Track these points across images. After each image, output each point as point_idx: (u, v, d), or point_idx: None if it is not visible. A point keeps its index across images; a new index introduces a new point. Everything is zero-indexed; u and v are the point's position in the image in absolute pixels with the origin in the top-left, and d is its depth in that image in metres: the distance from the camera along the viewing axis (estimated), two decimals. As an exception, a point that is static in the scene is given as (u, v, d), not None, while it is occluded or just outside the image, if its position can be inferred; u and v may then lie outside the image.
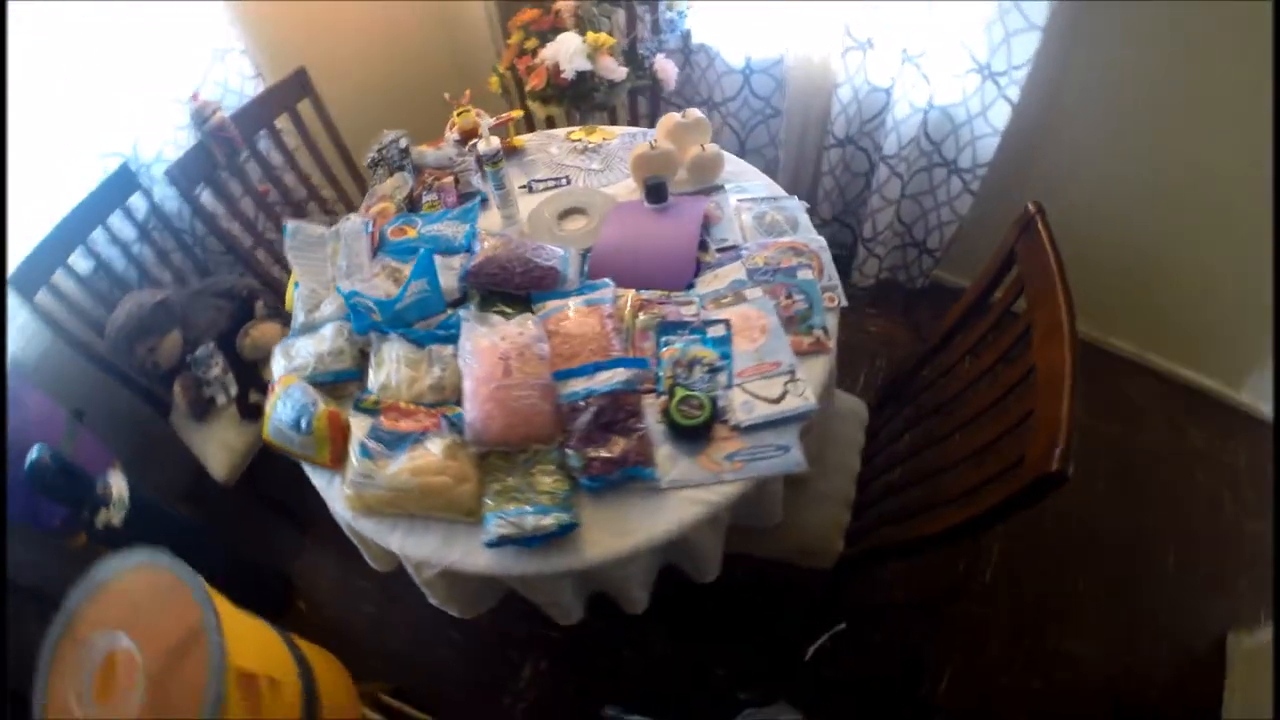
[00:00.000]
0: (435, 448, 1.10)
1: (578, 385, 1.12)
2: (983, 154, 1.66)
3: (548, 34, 1.69)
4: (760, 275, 1.28)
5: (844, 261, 2.13)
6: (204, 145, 1.54)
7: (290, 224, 1.30)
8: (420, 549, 1.07)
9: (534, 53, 1.68)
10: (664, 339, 1.21)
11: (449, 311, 1.27)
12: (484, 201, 1.50)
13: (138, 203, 1.60)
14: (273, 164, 1.74)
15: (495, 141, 1.36)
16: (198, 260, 1.70)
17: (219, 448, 1.58)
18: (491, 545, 1.03)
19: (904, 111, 1.67)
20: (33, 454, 1.21)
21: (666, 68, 1.73)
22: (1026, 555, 1.72)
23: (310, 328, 1.33)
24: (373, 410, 1.18)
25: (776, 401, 1.11)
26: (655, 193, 1.36)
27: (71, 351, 1.49)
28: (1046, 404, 0.91)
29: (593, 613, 1.22)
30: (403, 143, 1.50)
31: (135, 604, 1.02)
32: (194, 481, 1.66)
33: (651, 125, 1.94)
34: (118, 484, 1.33)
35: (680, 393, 1.11)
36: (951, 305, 1.25)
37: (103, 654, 0.95)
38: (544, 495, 1.05)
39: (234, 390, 1.61)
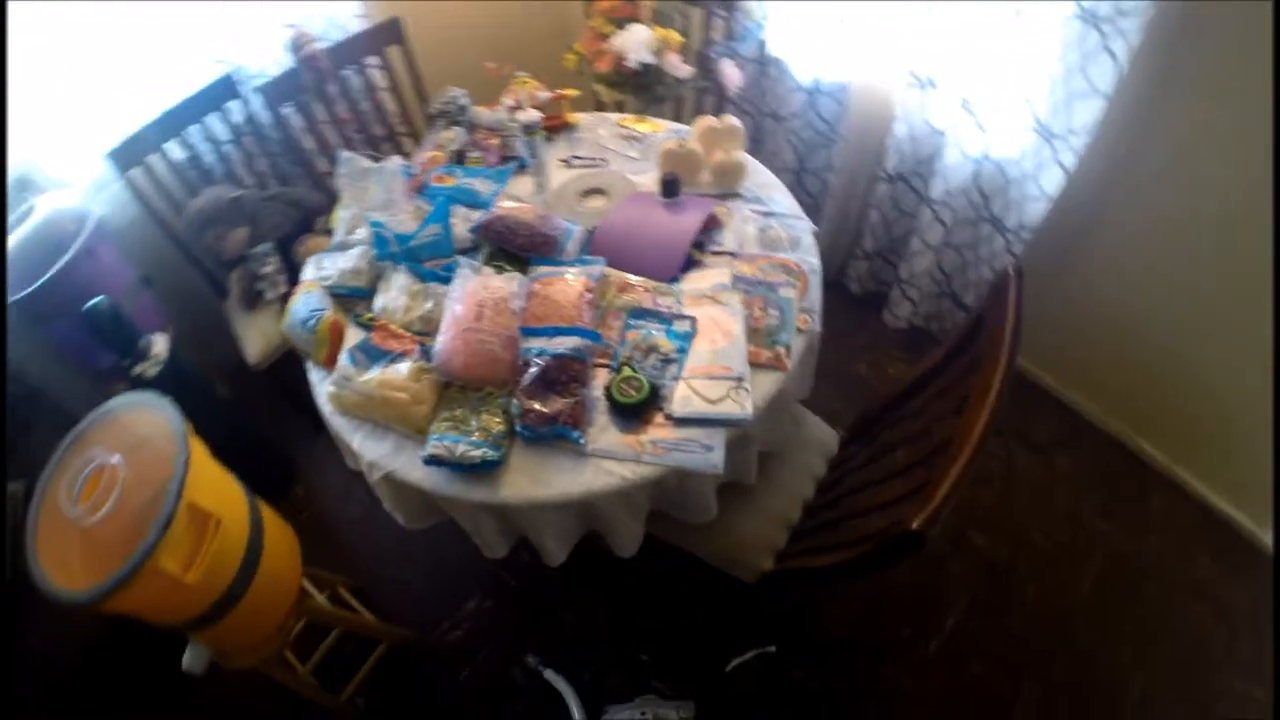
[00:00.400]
0: (404, 368, 1.22)
1: (536, 343, 1.21)
2: (1030, 217, 1.62)
3: (624, 22, 1.78)
4: (743, 284, 1.33)
5: (879, 299, 2.12)
6: (297, 71, 1.74)
7: (343, 154, 1.46)
8: (373, 451, 1.21)
9: (608, 38, 1.78)
10: (632, 321, 1.28)
11: (455, 257, 1.39)
12: (522, 166, 1.61)
13: (237, 109, 1.83)
14: (357, 99, 1.92)
15: (534, 114, 1.47)
16: (280, 170, 1.92)
17: (258, 335, 1.79)
18: (426, 462, 1.15)
19: (955, 158, 1.65)
20: (93, 301, 1.43)
21: (729, 73, 1.78)
22: (981, 641, 1.66)
23: (343, 246, 1.49)
24: (368, 326, 1.32)
25: (714, 403, 1.17)
26: (667, 187, 1.42)
27: (152, 225, 1.72)
28: (940, 469, 0.92)
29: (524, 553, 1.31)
30: (462, 100, 1.64)
31: (133, 434, 1.19)
32: (232, 362, 1.86)
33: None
34: (159, 344, 1.54)
35: (625, 372, 1.19)
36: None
37: (97, 465, 1.12)
38: (481, 431, 1.16)
39: (282, 289, 1.81)
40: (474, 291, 1.26)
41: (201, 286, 1.88)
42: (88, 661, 1.72)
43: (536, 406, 1.16)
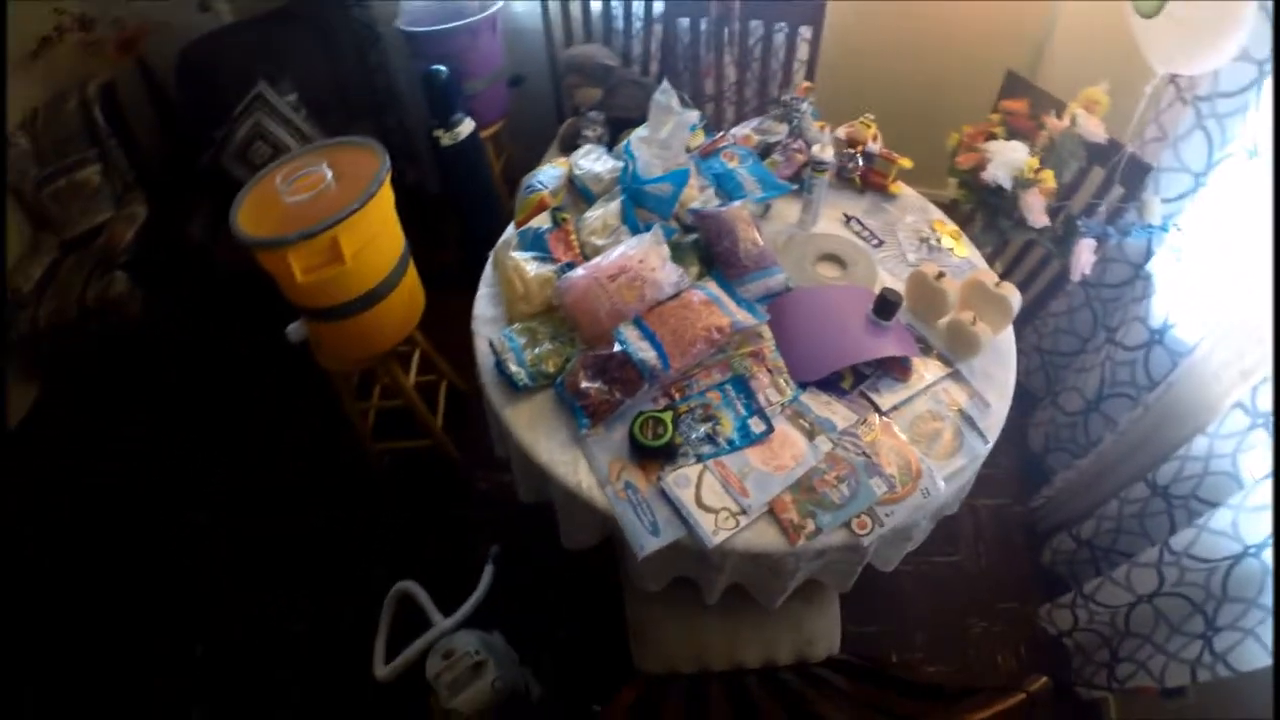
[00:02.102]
0: (536, 269, 1.33)
1: (629, 334, 1.21)
2: (1241, 658, 1.15)
3: (1017, 135, 1.53)
4: (849, 441, 1.17)
5: (1056, 588, 1.69)
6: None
7: (666, 84, 1.52)
8: (482, 308, 1.39)
9: (991, 139, 1.55)
10: (725, 386, 1.22)
11: (665, 222, 1.41)
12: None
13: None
14: (749, 49, 1.95)
15: (829, 154, 1.38)
16: (666, 66, 2.05)
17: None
18: (489, 344, 1.28)
19: (1224, 524, 1.19)
20: (438, 67, 1.74)
21: (1082, 256, 1.45)
22: None
23: (616, 155, 1.60)
24: (557, 222, 1.44)
25: (701, 508, 1.09)
26: (882, 306, 1.25)
27: (545, 44, 1.99)
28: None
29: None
30: (805, 106, 1.58)
31: (358, 167, 1.47)
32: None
33: (1035, 303, 1.71)
34: (466, 127, 1.84)
35: (664, 416, 1.15)
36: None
37: (314, 170, 1.42)
38: (535, 358, 1.24)
39: (594, 152, 2.01)
40: (633, 256, 1.28)
41: (550, 107, 2.15)
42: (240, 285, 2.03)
43: (579, 376, 1.19)
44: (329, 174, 1.40)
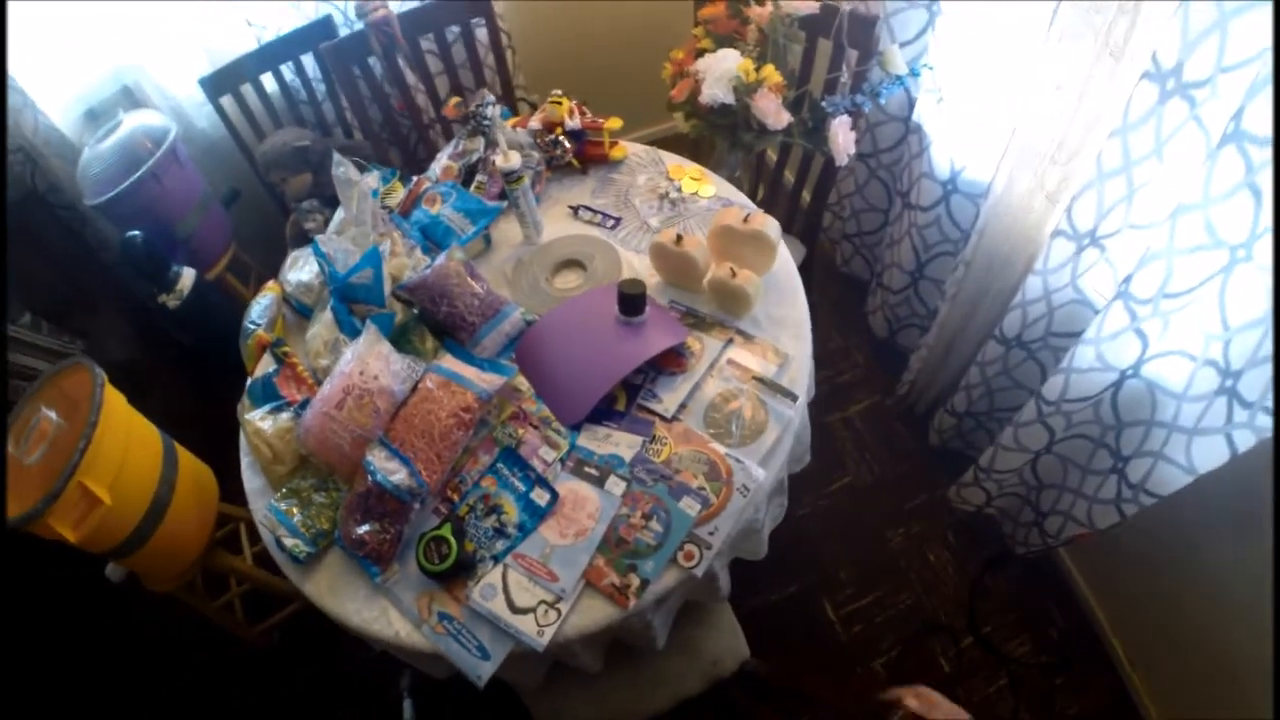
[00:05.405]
0: (273, 424, 1.17)
1: (376, 460, 1.07)
2: (1159, 483, 1.07)
3: (727, 41, 1.39)
4: (645, 471, 1.05)
5: (960, 463, 1.60)
6: (365, 34, 1.61)
7: (337, 155, 1.35)
8: (249, 481, 1.21)
9: (702, 55, 1.40)
10: (498, 466, 1.09)
11: (383, 310, 1.25)
12: (519, 206, 1.38)
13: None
14: (431, 70, 1.77)
15: (516, 160, 1.23)
16: (365, 123, 1.87)
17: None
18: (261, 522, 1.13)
19: (1088, 359, 1.10)
20: (130, 234, 1.55)
21: (840, 136, 1.32)
22: None
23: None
24: (280, 360, 1.28)
25: (516, 612, 0.98)
26: (626, 304, 1.13)
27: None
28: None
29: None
30: (489, 110, 1.41)
31: (77, 386, 1.30)
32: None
33: (814, 200, 1.58)
34: (186, 278, 1.66)
35: (443, 531, 1.02)
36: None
37: (36, 418, 1.26)
38: (308, 521, 1.10)
39: (327, 243, 1.83)
40: (351, 371, 1.13)
41: (275, 208, 1.96)
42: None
43: (351, 525, 1.06)
44: (54, 415, 1.24)
